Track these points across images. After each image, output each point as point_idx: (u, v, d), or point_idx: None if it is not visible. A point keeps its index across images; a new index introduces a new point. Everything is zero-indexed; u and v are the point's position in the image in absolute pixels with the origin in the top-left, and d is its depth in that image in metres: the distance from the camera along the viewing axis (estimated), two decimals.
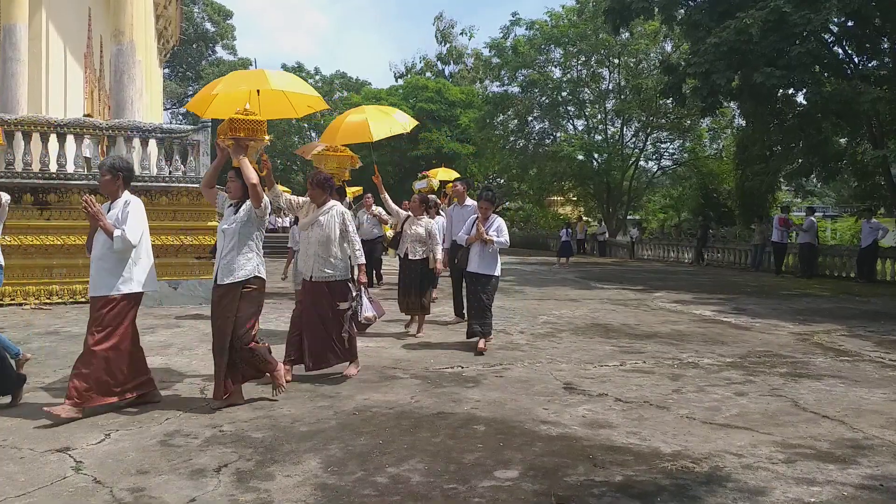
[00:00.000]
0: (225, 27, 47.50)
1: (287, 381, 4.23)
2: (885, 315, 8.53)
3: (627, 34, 23.42)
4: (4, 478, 2.82)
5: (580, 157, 26.18)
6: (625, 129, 27.06)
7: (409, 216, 6.46)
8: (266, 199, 3.96)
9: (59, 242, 8.04)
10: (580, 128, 28.03)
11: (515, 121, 27.92)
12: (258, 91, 4.90)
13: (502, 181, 34.85)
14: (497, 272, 5.74)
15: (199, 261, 8.58)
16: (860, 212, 15.67)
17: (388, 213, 7.20)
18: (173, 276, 8.35)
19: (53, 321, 6.93)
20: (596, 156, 26.67)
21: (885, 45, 14.22)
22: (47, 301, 8.05)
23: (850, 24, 13.66)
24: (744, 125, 20.95)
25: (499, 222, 5.71)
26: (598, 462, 3.08)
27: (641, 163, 27.65)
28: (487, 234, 5.59)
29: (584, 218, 28.00)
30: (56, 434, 3.37)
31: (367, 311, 4.62)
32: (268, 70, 5.18)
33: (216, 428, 3.50)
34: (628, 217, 29.43)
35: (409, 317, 6.71)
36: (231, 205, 4.04)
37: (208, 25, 46.93)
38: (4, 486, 2.73)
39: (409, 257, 6.35)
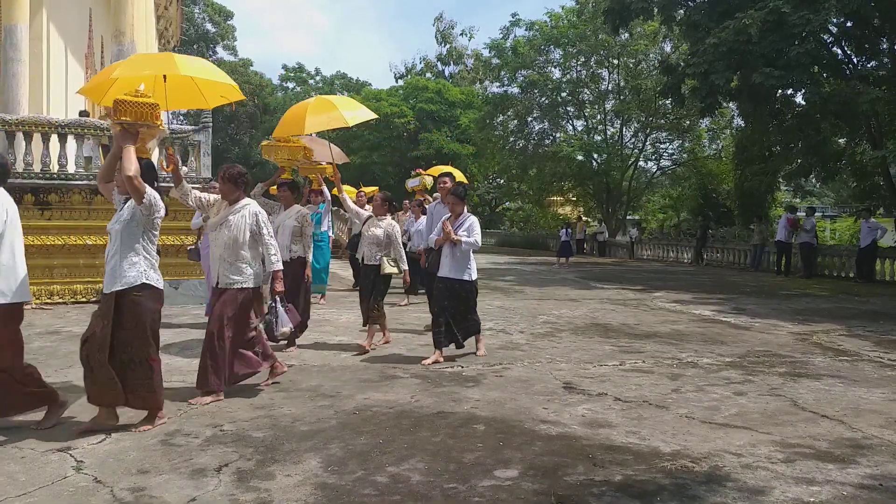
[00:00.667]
0: (225, 28, 47.50)
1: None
2: (885, 315, 8.54)
3: (627, 35, 23.43)
4: (5, 477, 2.82)
5: (580, 158, 26.18)
6: (624, 130, 27.07)
7: (370, 217, 5.88)
8: (151, 197, 3.44)
9: (59, 242, 8.04)
10: (580, 128, 28.05)
11: (515, 121, 27.92)
12: (164, 77, 4.42)
13: (502, 181, 34.88)
14: (470, 276, 5.23)
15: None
16: (859, 212, 15.68)
17: (367, 213, 6.61)
18: (174, 276, 8.35)
19: (54, 321, 6.93)
20: (595, 156, 26.68)
21: (884, 46, 14.25)
22: (48, 301, 8.05)
23: (849, 24, 13.68)
24: (743, 125, 20.96)
25: (470, 221, 5.20)
26: (597, 461, 3.09)
27: (641, 163, 27.67)
28: (456, 234, 5.07)
29: (584, 218, 28.01)
30: (57, 433, 3.38)
31: (284, 324, 4.16)
32: (177, 54, 4.76)
33: (217, 427, 3.51)
34: (628, 217, 29.44)
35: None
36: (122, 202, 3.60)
37: (209, 26, 46.93)
38: (5, 485, 2.74)
39: (365, 262, 5.74)
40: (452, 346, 5.34)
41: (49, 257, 8.08)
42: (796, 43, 12.41)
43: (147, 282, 3.45)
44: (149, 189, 3.45)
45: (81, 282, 8.21)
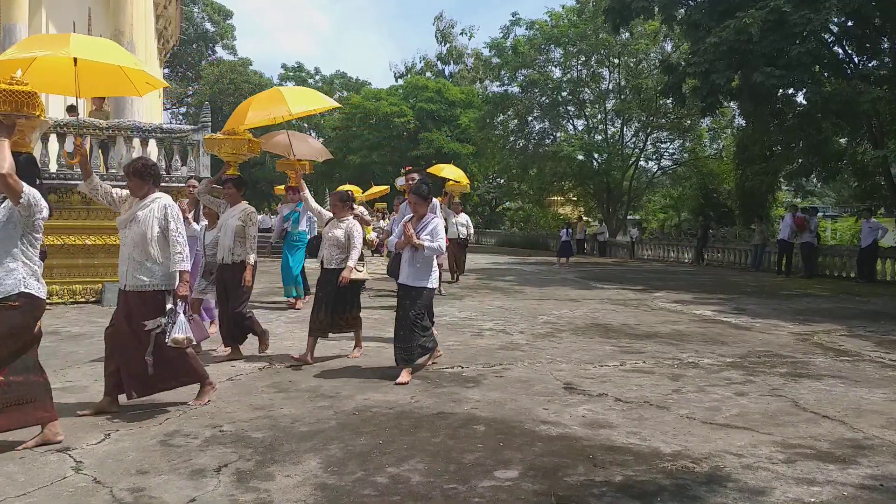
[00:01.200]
0: (225, 27, 47.50)
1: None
2: (886, 315, 8.53)
3: (627, 34, 23.42)
4: (4, 478, 2.82)
5: (580, 157, 26.18)
6: (625, 129, 27.06)
7: (331, 218, 5.39)
8: (29, 196, 3.11)
9: (59, 242, 8.03)
10: (580, 128, 28.04)
11: (515, 121, 27.92)
12: (75, 61, 4.03)
13: (502, 181, 34.87)
14: (429, 284, 4.77)
15: None
16: (860, 212, 15.66)
17: (329, 214, 5.90)
18: None
19: (53, 321, 6.92)
20: (596, 156, 26.67)
21: (885, 45, 14.22)
22: (47, 301, 8.05)
23: (850, 23, 13.66)
24: (744, 125, 20.94)
25: (434, 223, 4.75)
26: (598, 462, 3.08)
27: (641, 163, 27.66)
28: (418, 238, 4.61)
29: (584, 218, 28.00)
30: None
31: (179, 331, 3.71)
32: (75, 34, 4.38)
33: (216, 428, 3.50)
34: (628, 217, 29.43)
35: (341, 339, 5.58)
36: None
37: (208, 25, 46.94)
38: (4, 486, 2.73)
39: (325, 266, 5.23)
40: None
41: (48, 257, 8.06)
42: (797, 42, 12.39)
43: (25, 290, 3.12)
44: (27, 187, 3.12)
45: (80, 282, 8.21)
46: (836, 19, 13.22)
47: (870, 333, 6.98)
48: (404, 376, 4.56)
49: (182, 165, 8.86)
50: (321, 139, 45.27)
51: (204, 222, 5.94)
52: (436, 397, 4.17)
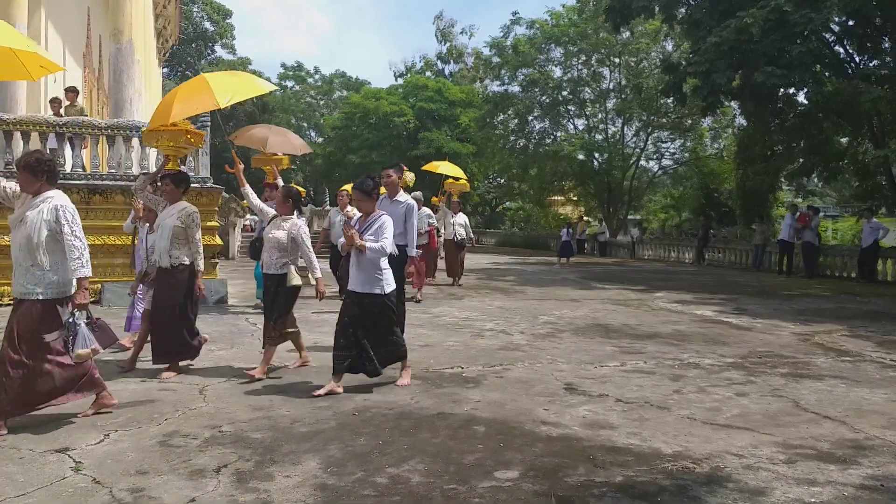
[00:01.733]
0: (224, 26, 47.51)
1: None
2: (887, 315, 8.52)
3: (628, 33, 23.39)
4: (4, 478, 2.81)
5: (581, 157, 26.17)
6: (625, 129, 27.04)
7: (274, 216, 4.89)
8: None
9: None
10: (581, 127, 28.03)
11: (516, 120, 27.90)
12: None
13: (503, 181, 34.86)
14: (382, 289, 4.25)
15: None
16: (861, 212, 15.66)
17: (273, 211, 5.26)
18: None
19: None
20: (596, 155, 26.66)
21: (886, 45, 14.21)
22: None
23: (851, 23, 13.65)
24: (745, 125, 20.92)
25: (380, 222, 4.26)
26: (598, 462, 3.07)
27: (642, 162, 27.64)
28: (361, 239, 4.13)
29: (585, 218, 27.99)
30: (55, 434, 3.37)
31: (81, 345, 3.42)
32: None
33: (215, 428, 3.50)
34: (629, 217, 29.42)
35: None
36: None
37: (207, 25, 46.93)
38: (4, 486, 2.73)
39: (265, 270, 4.78)
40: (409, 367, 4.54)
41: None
42: (798, 42, 12.38)
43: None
44: None
45: None
46: (837, 19, 13.22)
47: (871, 334, 6.97)
48: (405, 378, 4.43)
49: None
50: (320, 138, 45.38)
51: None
52: (436, 398, 4.16)
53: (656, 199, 31.27)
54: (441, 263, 11.78)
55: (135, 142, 8.65)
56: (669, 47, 23.90)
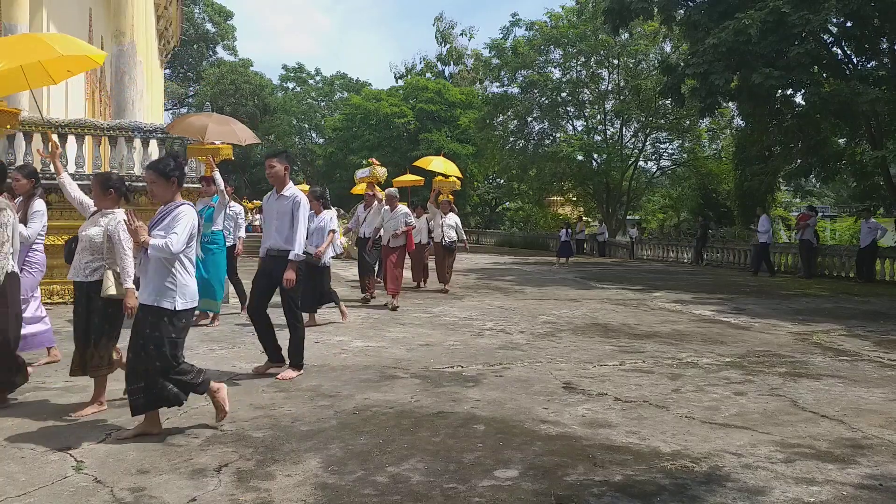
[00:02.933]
0: (225, 28, 47.55)
1: None
2: (885, 315, 8.54)
3: (627, 35, 23.43)
4: (5, 477, 2.82)
5: (580, 158, 26.20)
6: (624, 130, 27.08)
7: (95, 212, 4.02)
8: None
9: (59, 242, 8.01)
10: (580, 128, 28.06)
11: (515, 121, 27.93)
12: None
13: (502, 181, 34.88)
14: (173, 304, 3.32)
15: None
16: (859, 212, 15.73)
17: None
18: None
19: (54, 321, 6.91)
20: (595, 156, 26.69)
21: (884, 46, 14.24)
22: (48, 301, 8.05)
23: (848, 24, 13.66)
24: (743, 125, 20.96)
25: (176, 212, 3.44)
26: (597, 461, 3.09)
27: (641, 163, 27.68)
28: (148, 234, 3.31)
29: (584, 218, 28.01)
30: (57, 434, 3.38)
31: None
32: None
33: (216, 428, 3.51)
34: (628, 217, 29.45)
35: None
36: None
37: (209, 26, 46.97)
38: (5, 485, 2.74)
39: (71, 276, 3.92)
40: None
41: (49, 257, 8.02)
42: (796, 43, 12.41)
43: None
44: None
45: None
46: (835, 20, 13.24)
47: (869, 333, 6.99)
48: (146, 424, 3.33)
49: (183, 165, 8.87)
50: (321, 139, 45.42)
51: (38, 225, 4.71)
52: (436, 397, 4.18)
53: (655, 200, 31.31)
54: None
55: (137, 143, 8.66)
56: (668, 49, 23.94)
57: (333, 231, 7.02)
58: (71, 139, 8.49)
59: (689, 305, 9.16)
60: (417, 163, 12.62)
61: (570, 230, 18.34)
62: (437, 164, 11.88)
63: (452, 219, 10.60)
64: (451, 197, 11.93)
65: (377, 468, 2.97)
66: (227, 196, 6.91)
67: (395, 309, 8.05)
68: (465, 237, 11.03)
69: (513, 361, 5.27)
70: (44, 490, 2.70)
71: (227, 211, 7.13)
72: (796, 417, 3.86)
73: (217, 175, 6.66)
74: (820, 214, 25.95)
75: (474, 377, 4.73)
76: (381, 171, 10.52)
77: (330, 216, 7.09)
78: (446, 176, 11.91)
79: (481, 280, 12.65)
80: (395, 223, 8.46)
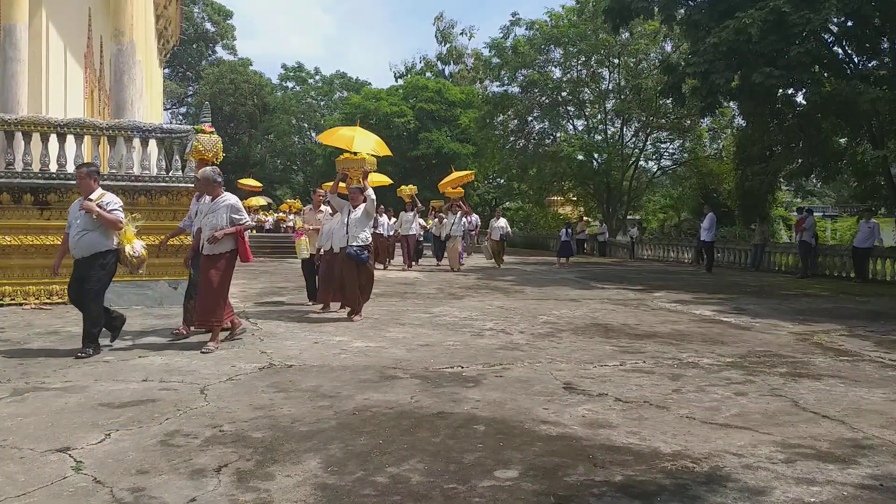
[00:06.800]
0: (225, 27, 47.54)
1: None
2: (885, 315, 8.53)
3: (627, 34, 23.43)
4: (4, 477, 2.82)
5: (580, 157, 26.18)
6: (625, 129, 27.07)
7: None
8: None
9: (59, 242, 8.01)
10: (580, 128, 28.05)
11: (515, 121, 27.93)
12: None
13: (502, 181, 34.87)
14: None
15: None
16: (861, 213, 15.77)
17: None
18: (173, 276, 8.33)
19: (53, 321, 6.93)
20: (596, 156, 26.67)
21: (885, 45, 14.23)
22: (47, 301, 8.04)
23: (849, 23, 13.66)
24: (743, 125, 20.95)
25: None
26: (598, 462, 3.08)
27: (641, 163, 27.67)
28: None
29: (585, 218, 28.00)
30: (56, 434, 3.37)
31: None
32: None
33: (216, 428, 3.50)
34: (628, 217, 29.44)
35: None
36: None
37: (208, 25, 46.96)
38: (4, 485, 2.73)
39: None
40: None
41: (48, 257, 8.04)
42: (797, 42, 12.39)
43: None
44: None
45: None
46: (835, 19, 13.23)
47: (869, 333, 6.98)
48: None
49: (182, 166, 8.86)
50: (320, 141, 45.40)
51: None
52: (436, 397, 4.17)
53: (655, 200, 31.32)
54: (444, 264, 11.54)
55: (136, 142, 8.65)
56: (668, 48, 23.93)
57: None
58: (70, 139, 8.47)
59: (690, 305, 9.16)
60: (323, 136, 9.79)
61: (570, 230, 18.34)
62: (360, 142, 9.12)
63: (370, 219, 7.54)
64: (363, 183, 7.69)
65: (377, 468, 2.96)
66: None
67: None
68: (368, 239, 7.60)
69: (513, 362, 5.26)
70: (43, 490, 2.69)
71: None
72: (797, 418, 3.85)
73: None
74: (819, 214, 25.96)
75: (474, 377, 4.72)
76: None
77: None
78: (354, 154, 9.54)
79: (481, 280, 12.65)
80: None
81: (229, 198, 5.76)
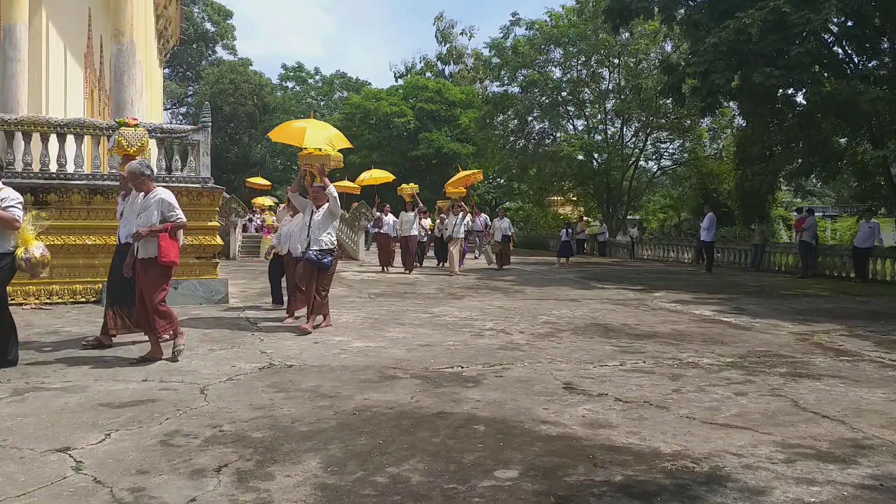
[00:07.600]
0: (225, 27, 47.55)
1: None
2: (885, 315, 8.53)
3: (627, 34, 23.43)
4: (4, 477, 2.81)
5: (580, 157, 26.19)
6: (625, 129, 27.06)
7: None
8: None
9: (59, 242, 8.02)
10: (580, 128, 28.05)
11: (515, 121, 27.93)
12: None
13: (502, 181, 34.87)
14: None
15: (199, 261, 8.57)
16: (861, 213, 15.78)
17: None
18: (173, 275, 8.33)
19: (53, 321, 6.93)
20: (596, 156, 26.68)
21: (885, 45, 14.23)
22: (47, 301, 8.04)
23: (849, 23, 13.66)
24: (743, 125, 20.95)
25: None
26: (598, 462, 3.08)
27: (641, 163, 27.66)
28: None
29: (585, 218, 28.00)
30: (56, 434, 3.37)
31: None
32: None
33: (216, 428, 3.50)
34: (628, 217, 29.44)
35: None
36: None
37: (208, 25, 46.97)
38: (4, 485, 2.73)
39: None
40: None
41: (54, 257, 8.05)
42: (797, 42, 12.39)
43: None
44: None
45: (81, 282, 8.20)
46: (835, 19, 13.23)
47: (869, 333, 6.98)
48: None
49: (182, 165, 8.86)
50: None
51: None
52: (436, 397, 4.17)
53: (655, 200, 31.32)
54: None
55: None
56: (668, 48, 23.93)
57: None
58: (70, 139, 8.48)
59: (690, 305, 9.16)
60: (275, 134, 8.80)
61: (570, 230, 18.34)
62: (311, 135, 8.11)
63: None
64: (321, 179, 7.13)
65: (377, 468, 2.96)
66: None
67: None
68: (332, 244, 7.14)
69: (513, 362, 5.26)
70: (43, 490, 2.69)
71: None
72: (797, 418, 3.85)
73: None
74: (819, 214, 25.95)
75: (474, 377, 4.72)
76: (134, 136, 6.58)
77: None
78: (319, 149, 8.70)
79: (481, 280, 12.65)
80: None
81: (161, 192, 5.19)
